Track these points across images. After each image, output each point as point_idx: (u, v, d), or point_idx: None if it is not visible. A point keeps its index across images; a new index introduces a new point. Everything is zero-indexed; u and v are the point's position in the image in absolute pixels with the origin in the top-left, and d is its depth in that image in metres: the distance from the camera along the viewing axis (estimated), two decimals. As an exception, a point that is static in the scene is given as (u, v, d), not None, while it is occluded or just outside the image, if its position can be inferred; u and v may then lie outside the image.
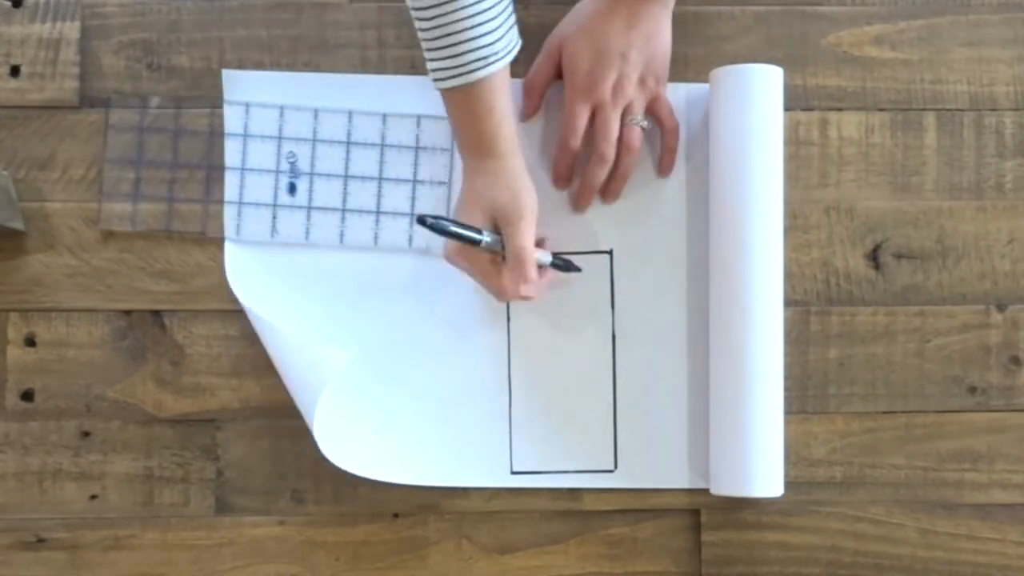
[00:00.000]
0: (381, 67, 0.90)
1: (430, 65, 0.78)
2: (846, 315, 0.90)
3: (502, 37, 0.78)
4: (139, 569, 0.87)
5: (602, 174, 0.87)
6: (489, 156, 0.81)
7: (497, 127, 0.80)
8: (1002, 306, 0.90)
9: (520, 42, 0.80)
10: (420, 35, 0.78)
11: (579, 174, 0.88)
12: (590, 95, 0.85)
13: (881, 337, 0.90)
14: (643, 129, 0.87)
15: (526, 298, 0.82)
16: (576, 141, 0.86)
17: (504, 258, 0.81)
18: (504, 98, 0.80)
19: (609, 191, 0.88)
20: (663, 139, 0.89)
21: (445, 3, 0.74)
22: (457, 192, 0.85)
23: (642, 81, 0.86)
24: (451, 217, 0.80)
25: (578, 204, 0.89)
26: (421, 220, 0.78)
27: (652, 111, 0.88)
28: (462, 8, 0.75)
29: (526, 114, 0.89)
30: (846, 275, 0.90)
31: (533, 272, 0.82)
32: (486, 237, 0.80)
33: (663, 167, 0.89)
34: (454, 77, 0.78)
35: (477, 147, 0.81)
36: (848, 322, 0.90)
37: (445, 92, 0.79)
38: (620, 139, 0.87)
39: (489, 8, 0.76)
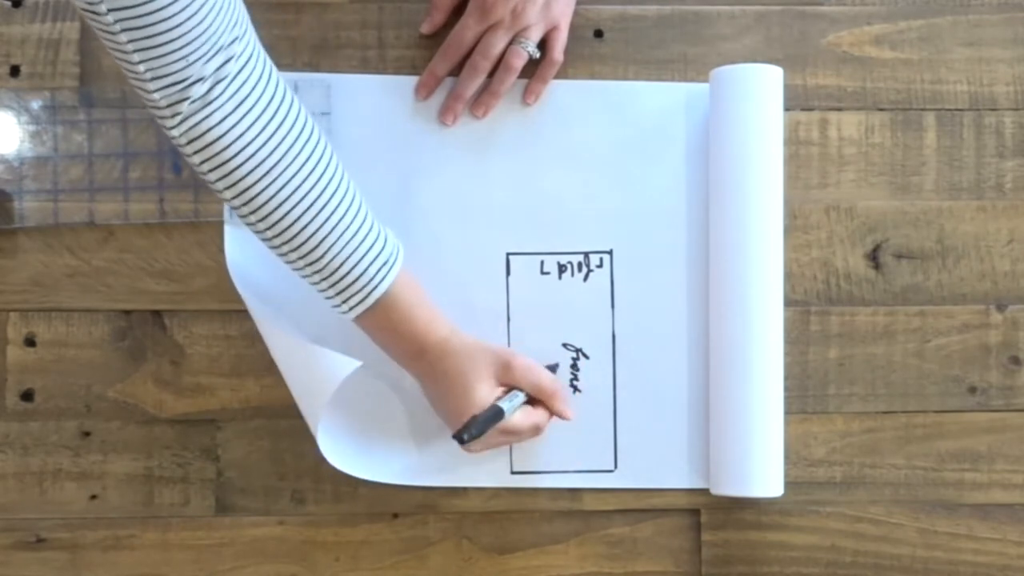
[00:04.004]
0: (381, 67, 0.90)
1: (331, 302, 0.76)
2: (846, 315, 0.90)
3: (386, 237, 0.77)
4: (139, 569, 0.87)
5: (470, 85, 0.87)
6: (440, 352, 0.80)
7: (428, 324, 0.79)
8: (1002, 306, 0.90)
9: (400, 244, 0.78)
10: (307, 276, 0.75)
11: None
12: (490, 13, 0.84)
13: (881, 337, 0.89)
14: (530, 56, 0.86)
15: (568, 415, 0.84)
16: (456, 50, 0.86)
17: (538, 400, 0.83)
18: (419, 294, 0.79)
19: (479, 104, 0.87)
20: (540, 67, 0.88)
21: (320, 234, 0.73)
22: None
23: (547, 7, 0.85)
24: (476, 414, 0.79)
25: (442, 114, 0.88)
26: (460, 439, 0.77)
27: (546, 39, 0.87)
28: (338, 230, 0.73)
29: (429, 26, 0.88)
30: (846, 275, 0.90)
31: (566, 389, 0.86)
32: (505, 405, 0.80)
33: (528, 93, 0.88)
34: (362, 302, 0.76)
35: (420, 355, 0.80)
36: (848, 322, 0.90)
37: (362, 320, 0.77)
38: (503, 58, 0.86)
39: (358, 218, 0.75)
